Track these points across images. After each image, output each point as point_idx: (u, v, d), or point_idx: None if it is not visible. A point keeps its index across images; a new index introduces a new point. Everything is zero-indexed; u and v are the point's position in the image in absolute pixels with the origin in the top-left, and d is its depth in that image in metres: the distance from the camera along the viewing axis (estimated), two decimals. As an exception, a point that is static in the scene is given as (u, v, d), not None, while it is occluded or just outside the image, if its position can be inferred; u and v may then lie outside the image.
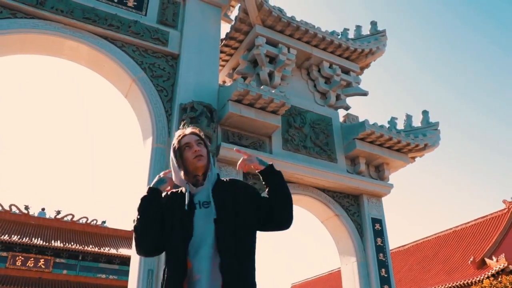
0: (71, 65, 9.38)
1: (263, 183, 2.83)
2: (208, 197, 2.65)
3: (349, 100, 11.68)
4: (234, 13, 11.73)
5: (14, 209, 42.90)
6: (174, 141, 2.86)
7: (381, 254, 9.96)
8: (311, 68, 11.31)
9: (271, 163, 2.87)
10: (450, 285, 28.35)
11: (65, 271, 39.25)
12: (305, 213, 10.80)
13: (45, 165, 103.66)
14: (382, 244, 10.10)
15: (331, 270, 51.14)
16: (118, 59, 9.09)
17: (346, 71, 11.56)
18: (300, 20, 10.69)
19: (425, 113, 11.61)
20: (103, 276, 40.37)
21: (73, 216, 45.25)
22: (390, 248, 10.55)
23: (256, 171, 2.87)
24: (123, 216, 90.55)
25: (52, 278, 38.32)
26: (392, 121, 11.20)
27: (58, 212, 44.81)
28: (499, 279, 23.01)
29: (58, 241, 39.86)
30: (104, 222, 47.15)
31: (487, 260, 27.90)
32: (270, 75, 10.40)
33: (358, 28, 12.29)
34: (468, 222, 35.54)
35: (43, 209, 45.15)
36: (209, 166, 2.76)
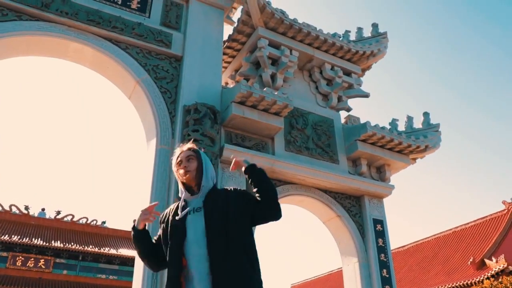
0: (73, 66, 9.43)
1: (249, 181, 3.12)
2: (200, 203, 3.02)
3: (350, 102, 11.77)
4: (236, 15, 11.81)
5: (14, 209, 42.98)
6: (173, 159, 3.27)
7: (382, 255, 10.04)
8: (313, 70, 11.40)
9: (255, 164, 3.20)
10: (450, 286, 28.45)
11: (65, 271, 39.33)
12: (305, 213, 10.89)
13: (45, 165, 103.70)
14: (383, 245, 10.18)
15: (330, 271, 51.25)
16: (122, 61, 9.15)
17: (347, 73, 11.65)
18: (302, 22, 10.78)
19: (426, 114, 11.69)
20: (103, 276, 40.45)
21: (73, 216, 45.33)
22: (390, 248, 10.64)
23: (243, 170, 3.18)
24: (123, 216, 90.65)
25: (52, 278, 38.40)
26: (393, 123, 11.28)
27: (58, 213, 44.89)
28: (500, 280, 23.10)
29: (58, 242, 39.94)
30: (104, 222, 47.23)
31: (487, 261, 28.01)
32: (273, 77, 10.48)
33: (360, 30, 12.37)
34: (468, 223, 35.66)
35: (43, 210, 45.23)
36: (201, 177, 3.10)
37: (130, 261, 41.16)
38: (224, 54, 11.20)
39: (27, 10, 8.62)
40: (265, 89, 8.98)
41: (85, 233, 44.44)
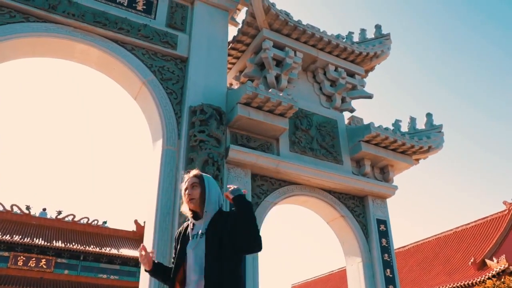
0: (77, 66, 9.52)
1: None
2: (203, 229, 3.23)
3: (354, 103, 11.84)
4: (240, 16, 11.88)
5: (15, 209, 42.99)
6: (182, 185, 3.46)
7: (386, 255, 10.11)
8: (316, 71, 11.47)
9: (242, 193, 3.23)
10: (450, 286, 28.48)
11: (66, 271, 39.33)
12: (306, 214, 10.99)
13: (46, 165, 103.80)
14: (387, 245, 10.25)
15: (331, 271, 51.29)
16: (128, 62, 9.23)
17: (351, 74, 11.72)
18: (306, 24, 10.85)
19: (429, 115, 11.76)
20: (104, 276, 40.45)
21: (74, 216, 45.31)
22: (391, 248, 10.69)
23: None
24: (124, 216, 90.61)
25: (54, 278, 38.42)
26: (397, 124, 11.35)
27: (59, 212, 44.88)
28: (502, 280, 23.15)
29: (60, 241, 39.94)
30: (105, 222, 47.22)
31: (488, 261, 28.05)
32: (277, 78, 10.56)
33: (363, 31, 12.44)
34: (469, 223, 35.70)
35: (44, 209, 45.23)
36: (204, 203, 3.28)
37: (131, 261, 41.23)
38: (229, 55, 11.26)
39: (34, 12, 8.70)
40: (270, 90, 9.06)
41: (86, 233, 44.43)
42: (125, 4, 9.84)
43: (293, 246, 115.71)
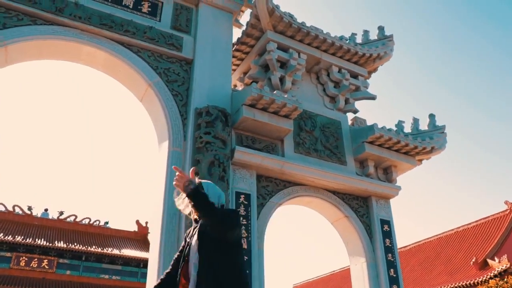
0: (81, 68, 9.57)
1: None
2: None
3: (357, 104, 11.90)
4: (243, 18, 11.98)
5: (17, 209, 43.06)
6: None
7: (389, 255, 10.20)
8: (320, 72, 11.56)
9: (192, 187, 3.23)
10: (452, 286, 28.54)
11: (68, 272, 39.39)
12: (308, 214, 11.09)
13: (47, 166, 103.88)
14: (390, 245, 10.34)
15: (332, 271, 51.37)
16: (134, 64, 9.31)
17: (354, 76, 11.80)
18: (310, 26, 10.93)
19: (431, 116, 11.84)
20: (106, 276, 40.50)
21: (76, 216, 45.38)
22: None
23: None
24: (126, 216, 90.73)
25: (56, 279, 38.48)
26: (400, 125, 11.42)
27: (61, 213, 44.96)
28: (505, 280, 23.20)
29: (61, 242, 40.02)
30: (106, 222, 47.30)
31: (489, 261, 28.11)
32: (281, 79, 10.63)
33: (366, 32, 12.52)
34: (470, 223, 35.77)
35: (46, 210, 45.29)
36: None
37: (132, 262, 41.32)
38: (233, 57, 11.35)
39: (41, 15, 8.77)
40: (275, 92, 9.15)
41: (88, 233, 44.51)
42: (131, 7, 9.92)
43: (295, 246, 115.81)
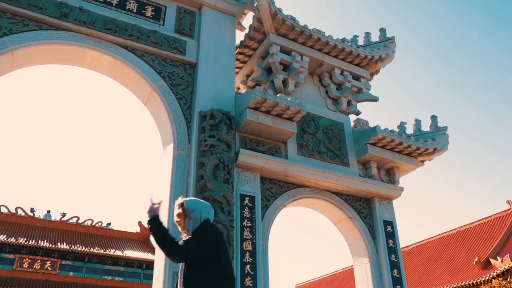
0: (86, 72, 9.65)
1: None
2: None
3: (359, 105, 11.99)
4: (246, 21, 12.04)
5: (20, 211, 43.19)
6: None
7: (393, 255, 10.28)
8: (323, 74, 11.65)
9: (148, 218, 3.81)
10: (455, 286, 28.53)
11: (71, 273, 39.51)
12: (311, 215, 11.16)
13: (49, 168, 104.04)
14: (393, 246, 10.41)
15: (335, 271, 51.39)
16: (138, 68, 9.39)
17: (356, 78, 11.89)
18: (312, 29, 11.02)
19: (433, 117, 11.92)
20: (109, 277, 40.61)
21: (78, 218, 45.52)
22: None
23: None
24: (128, 218, 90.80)
25: (59, 280, 38.60)
26: (402, 126, 11.51)
27: (64, 215, 45.09)
28: (508, 279, 23.22)
29: (64, 243, 40.15)
30: (109, 224, 47.42)
31: (492, 261, 28.12)
32: (284, 82, 10.73)
33: (368, 35, 12.61)
34: (472, 223, 35.76)
35: (48, 212, 45.43)
36: (185, 225, 3.91)
37: (135, 263, 41.45)
38: (236, 59, 11.43)
39: (47, 20, 8.86)
40: (278, 95, 9.23)
41: (90, 235, 44.65)
42: (135, 11, 10.01)
43: (298, 247, 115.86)
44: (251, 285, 8.08)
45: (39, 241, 39.06)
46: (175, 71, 9.74)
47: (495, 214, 33.84)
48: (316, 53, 11.29)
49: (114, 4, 9.82)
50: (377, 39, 12.60)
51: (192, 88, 9.72)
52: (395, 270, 10.08)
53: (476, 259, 29.23)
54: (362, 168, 10.89)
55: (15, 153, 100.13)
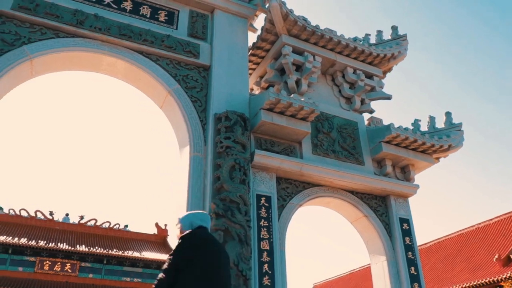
0: (103, 78, 9.81)
1: None
2: None
3: (373, 104, 12.00)
4: (257, 22, 12.12)
5: (39, 215, 43.90)
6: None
7: (409, 253, 10.27)
8: (335, 74, 11.69)
9: None
10: (475, 283, 28.20)
11: (91, 275, 40.07)
12: (328, 214, 11.20)
13: (68, 171, 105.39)
14: (410, 243, 10.41)
15: (352, 270, 51.23)
16: (153, 72, 9.55)
17: (369, 76, 11.90)
18: (324, 28, 11.07)
19: (448, 114, 11.88)
20: (128, 279, 41.09)
21: (96, 220, 46.07)
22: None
23: None
24: (145, 220, 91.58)
25: (79, 282, 39.19)
26: (416, 123, 11.50)
27: (82, 217, 45.69)
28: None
29: (83, 246, 40.70)
30: (126, 226, 47.89)
31: (513, 257, 27.74)
32: (297, 82, 10.80)
33: (379, 33, 12.60)
34: (492, 219, 35.31)
35: (67, 215, 46.05)
36: None
37: (153, 264, 41.85)
38: (249, 61, 11.52)
39: (63, 28, 9.07)
40: (292, 95, 9.31)
41: (108, 237, 45.17)
42: (148, 16, 10.18)
43: (315, 246, 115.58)
44: (269, 284, 8.18)
45: (59, 244, 39.67)
46: (189, 74, 9.87)
47: (515, 210, 33.36)
48: (329, 53, 11.34)
49: (128, 10, 10.00)
50: (389, 37, 12.58)
51: (207, 90, 9.84)
52: (413, 268, 10.08)
53: (496, 256, 28.89)
54: (377, 166, 10.91)
55: (34, 158, 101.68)
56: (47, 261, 38.92)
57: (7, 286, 35.01)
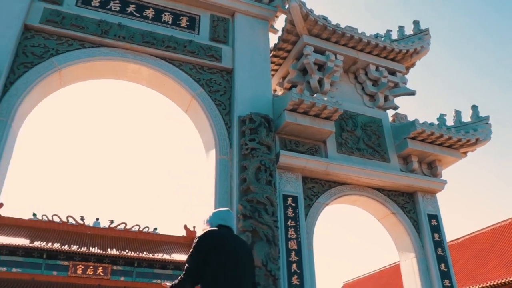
0: (117, 83, 10.05)
1: None
2: None
3: (396, 100, 11.91)
4: (278, 23, 12.19)
5: (71, 220, 44.89)
6: None
7: (439, 249, 10.16)
8: (358, 72, 11.66)
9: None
10: (510, 279, 27.49)
11: (122, 278, 40.77)
12: (356, 212, 11.16)
13: (96, 176, 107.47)
14: (439, 239, 10.29)
15: (383, 267, 50.72)
16: (177, 77, 9.71)
17: (392, 72, 11.83)
18: (345, 27, 11.06)
19: (474, 107, 11.70)
20: (159, 281, 41.54)
21: (125, 224, 46.80)
22: (443, 241, 10.69)
23: None
24: (174, 222, 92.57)
25: (111, 285, 39.92)
26: (442, 118, 11.37)
27: (112, 222, 46.50)
28: None
29: (114, 249, 41.43)
30: (155, 229, 48.48)
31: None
32: (320, 82, 10.81)
33: (401, 28, 12.50)
34: (525, 212, 34.39)
35: (97, 219, 46.93)
36: None
37: (183, 266, 42.04)
38: (271, 62, 11.58)
39: (89, 38, 9.33)
40: (315, 95, 9.35)
41: (138, 240, 45.83)
42: (170, 22, 10.37)
43: (344, 244, 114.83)
44: (298, 283, 8.24)
45: (90, 248, 40.50)
46: (212, 78, 10.00)
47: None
48: (350, 51, 11.32)
49: (150, 18, 10.21)
50: (411, 32, 12.46)
51: (230, 93, 9.96)
52: (443, 264, 9.97)
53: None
54: (403, 162, 10.83)
55: (64, 165, 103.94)
56: (80, 265, 39.80)
57: (43, 290, 35.98)
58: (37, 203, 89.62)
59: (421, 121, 10.43)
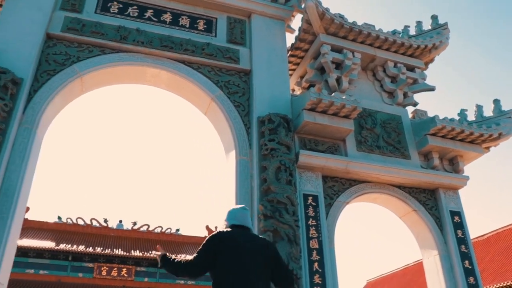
0: (137, 87, 10.23)
1: None
2: None
3: (416, 96, 11.82)
4: (294, 22, 12.23)
5: (94, 222, 45.59)
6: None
7: (462, 246, 10.05)
8: (376, 69, 11.60)
9: (159, 263, 4.49)
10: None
11: (146, 279, 41.21)
12: (378, 210, 11.11)
13: (118, 179, 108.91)
14: (463, 236, 10.18)
15: (406, 265, 50.17)
16: (196, 80, 9.83)
17: (411, 69, 11.74)
18: (361, 24, 11.02)
19: (496, 101, 11.54)
20: (182, 282, 41.89)
21: (148, 226, 47.25)
22: (467, 238, 10.56)
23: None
24: (196, 223, 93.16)
25: (135, 286, 40.42)
26: (462, 113, 11.24)
27: (135, 223, 47.02)
28: None
29: (137, 251, 41.90)
30: (178, 230, 48.81)
31: None
32: (338, 80, 10.81)
33: (419, 24, 12.38)
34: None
35: (120, 221, 47.54)
36: None
37: (205, 266, 42.42)
38: (289, 62, 11.62)
39: (108, 44, 9.51)
40: (333, 94, 9.35)
41: (161, 241, 46.16)
42: (187, 26, 10.49)
43: (366, 242, 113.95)
44: (320, 282, 8.26)
45: (114, 250, 41.02)
46: (230, 80, 10.09)
47: None
48: (368, 48, 11.28)
49: (168, 22, 10.35)
50: (429, 27, 12.34)
51: (249, 94, 10.03)
52: (467, 261, 9.85)
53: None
54: (424, 159, 10.74)
55: (87, 169, 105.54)
56: (104, 267, 40.37)
57: (69, 292, 36.65)
58: (62, 206, 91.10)
59: (441, 117, 10.33)
